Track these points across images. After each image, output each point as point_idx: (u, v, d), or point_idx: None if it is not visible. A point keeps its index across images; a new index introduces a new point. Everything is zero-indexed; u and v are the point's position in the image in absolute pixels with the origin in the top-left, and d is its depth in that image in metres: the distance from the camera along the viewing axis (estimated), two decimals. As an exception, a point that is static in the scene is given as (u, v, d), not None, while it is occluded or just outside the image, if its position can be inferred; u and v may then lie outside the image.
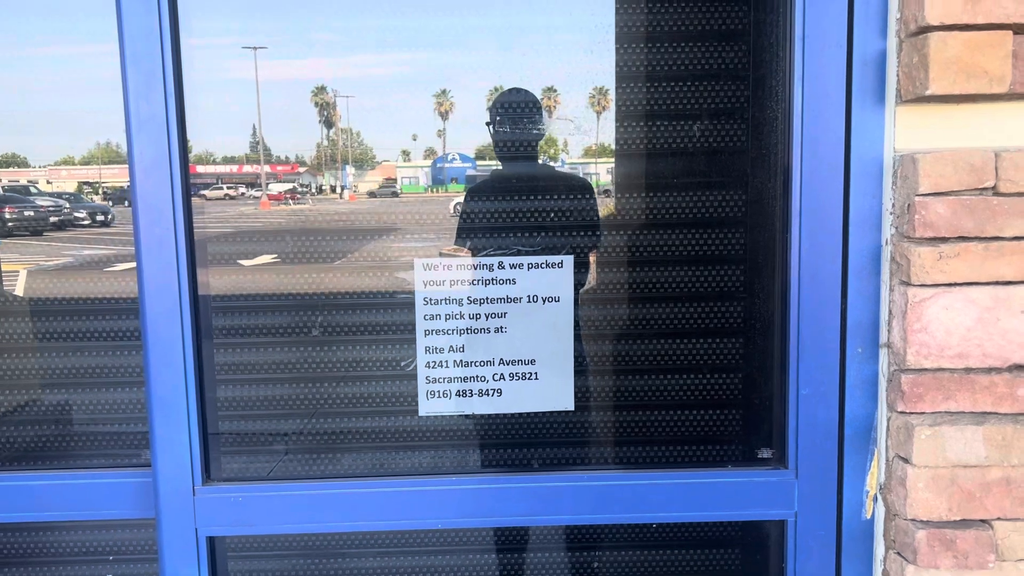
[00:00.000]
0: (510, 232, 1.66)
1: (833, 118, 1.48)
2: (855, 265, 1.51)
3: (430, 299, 1.61)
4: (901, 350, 1.44)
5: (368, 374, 1.78)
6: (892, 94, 1.45)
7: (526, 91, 1.70)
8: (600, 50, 1.73)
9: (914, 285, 1.40)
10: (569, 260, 1.62)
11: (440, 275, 1.60)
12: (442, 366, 1.63)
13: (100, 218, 1.55)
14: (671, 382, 1.75)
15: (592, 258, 1.77)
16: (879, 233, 1.50)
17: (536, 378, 1.63)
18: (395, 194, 1.72)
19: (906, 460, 1.45)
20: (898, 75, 1.43)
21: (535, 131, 1.71)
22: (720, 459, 1.70)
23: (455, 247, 1.66)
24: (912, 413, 1.44)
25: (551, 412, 1.68)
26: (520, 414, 1.69)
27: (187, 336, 1.53)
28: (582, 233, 1.70)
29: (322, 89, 1.50)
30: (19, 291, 1.81)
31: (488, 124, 1.69)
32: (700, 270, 1.80)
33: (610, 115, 1.76)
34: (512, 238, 1.63)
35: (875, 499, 1.56)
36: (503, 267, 1.61)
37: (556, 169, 1.80)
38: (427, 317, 1.61)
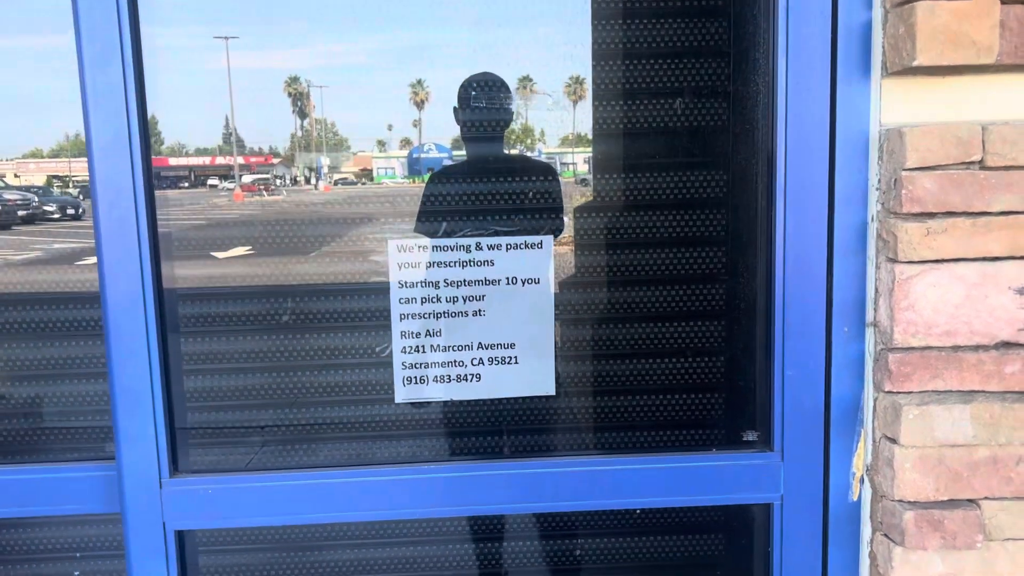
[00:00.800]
0: (470, 216, 1.60)
1: (818, 92, 1.45)
2: (841, 243, 1.48)
3: (405, 282, 1.55)
4: (888, 329, 1.41)
5: (342, 362, 1.72)
6: (878, 66, 1.42)
7: (493, 74, 1.66)
8: (577, 32, 1.68)
9: (901, 262, 1.37)
10: (549, 240, 1.57)
11: (415, 257, 1.55)
12: (419, 351, 1.57)
13: (70, 211, 1.52)
14: (654, 366, 1.71)
15: (571, 244, 1.73)
16: (865, 210, 1.47)
17: (516, 362, 1.59)
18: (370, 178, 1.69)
19: (893, 440, 1.42)
20: (884, 46, 1.40)
21: (502, 113, 1.66)
22: (705, 443, 1.67)
23: (417, 233, 1.60)
24: (899, 393, 1.41)
25: (531, 398, 1.64)
26: (500, 399, 1.64)
27: (151, 323, 1.46)
28: (544, 216, 1.65)
29: (295, 79, 1.47)
30: None
31: (455, 108, 1.64)
32: (681, 252, 1.76)
33: (586, 103, 1.72)
34: (472, 221, 1.58)
35: (862, 481, 1.53)
36: (481, 248, 1.56)
37: (520, 154, 1.75)
38: (403, 300, 1.56)
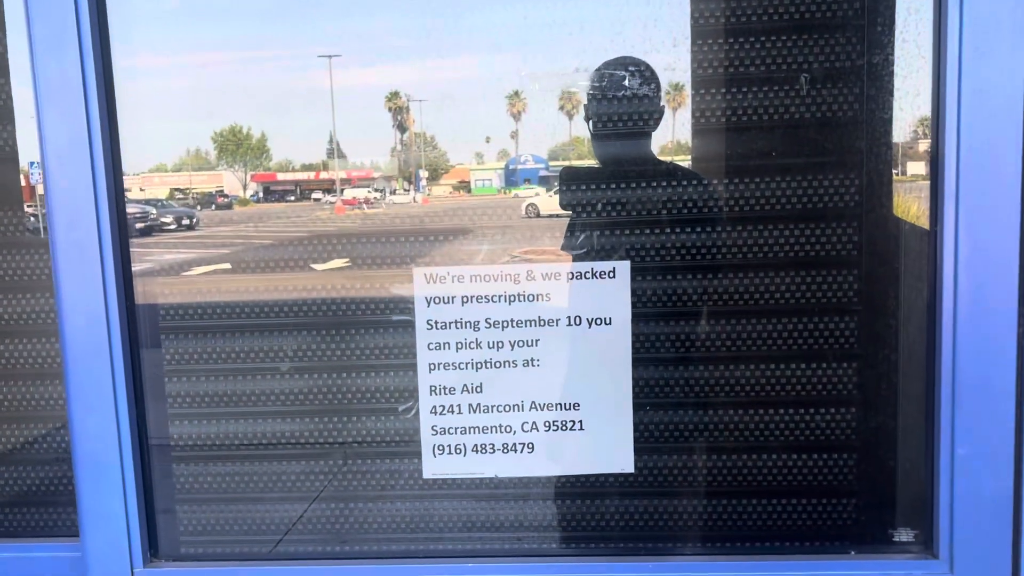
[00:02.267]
0: (635, 228, 1.22)
1: (1007, 52, 1.03)
2: (1040, 269, 1.05)
3: (435, 322, 1.20)
4: (1116, 394, 0.97)
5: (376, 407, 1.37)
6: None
7: (635, 57, 1.28)
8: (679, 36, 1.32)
9: None
10: (624, 267, 1.19)
11: (448, 289, 1.20)
12: (453, 412, 1.22)
13: (185, 222, 1.58)
14: (761, 427, 1.29)
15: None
16: (1078, 222, 1.04)
17: (581, 428, 1.21)
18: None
19: (1125, 556, 0.98)
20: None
21: (652, 107, 1.29)
22: (836, 540, 1.24)
23: (564, 251, 1.26)
24: None
25: (601, 476, 1.25)
26: (559, 478, 1.27)
27: (119, 371, 1.17)
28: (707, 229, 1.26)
29: (395, 94, 1.45)
30: None
31: (584, 105, 1.28)
32: (796, 276, 1.34)
33: (685, 113, 1.35)
34: (634, 235, 1.20)
35: (1070, 605, 1.09)
36: (533, 278, 1.19)
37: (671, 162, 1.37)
38: (432, 346, 1.21)
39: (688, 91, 1.33)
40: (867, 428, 1.28)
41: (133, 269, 1.22)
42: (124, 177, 1.37)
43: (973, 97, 1.04)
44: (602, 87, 1.30)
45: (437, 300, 1.21)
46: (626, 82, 1.27)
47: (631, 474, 1.24)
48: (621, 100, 1.29)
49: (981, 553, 1.11)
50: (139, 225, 1.52)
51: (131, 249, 1.21)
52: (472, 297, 1.20)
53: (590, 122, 1.32)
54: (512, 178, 1.61)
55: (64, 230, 1.14)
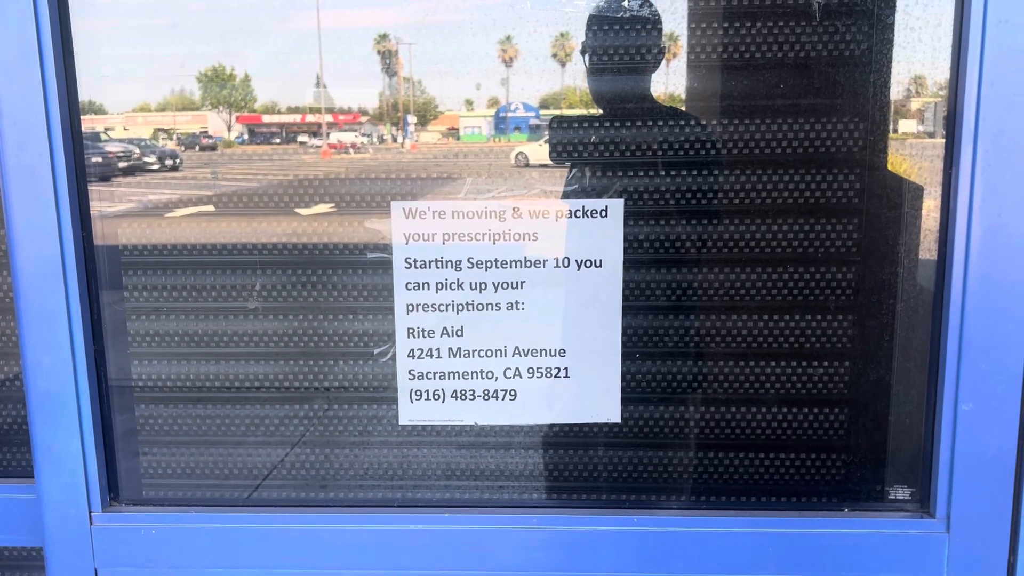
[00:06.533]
0: (629, 170, 1.15)
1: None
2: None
3: (414, 260, 1.13)
4: None
5: (350, 351, 1.30)
6: None
7: None
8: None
9: None
10: (617, 206, 1.12)
11: (428, 225, 1.12)
12: (432, 356, 1.15)
13: (168, 163, 1.52)
14: (757, 383, 1.23)
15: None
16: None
17: (567, 375, 1.15)
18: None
19: None
20: None
21: (651, 50, 1.21)
22: (828, 496, 1.19)
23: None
24: None
25: (587, 425, 1.19)
26: (542, 427, 1.21)
27: (74, 301, 1.10)
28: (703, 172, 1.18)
29: (384, 37, 1.41)
30: None
31: (583, 43, 1.20)
32: (793, 222, 1.27)
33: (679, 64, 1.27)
34: (628, 177, 1.13)
35: (1068, 568, 1.05)
36: (519, 215, 1.12)
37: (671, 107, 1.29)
38: (411, 286, 1.13)
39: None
40: (863, 381, 1.22)
41: (91, 201, 1.14)
42: (107, 117, 1.30)
43: (996, 28, 0.97)
44: (595, 28, 1.21)
45: (416, 237, 1.13)
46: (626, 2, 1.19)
47: (617, 424, 1.18)
48: (623, 25, 1.20)
49: (979, 514, 1.07)
50: (122, 164, 1.50)
51: (87, 171, 1.12)
52: (454, 234, 1.12)
53: (586, 55, 1.23)
54: (502, 126, 1.58)
55: (14, 151, 1.06)
